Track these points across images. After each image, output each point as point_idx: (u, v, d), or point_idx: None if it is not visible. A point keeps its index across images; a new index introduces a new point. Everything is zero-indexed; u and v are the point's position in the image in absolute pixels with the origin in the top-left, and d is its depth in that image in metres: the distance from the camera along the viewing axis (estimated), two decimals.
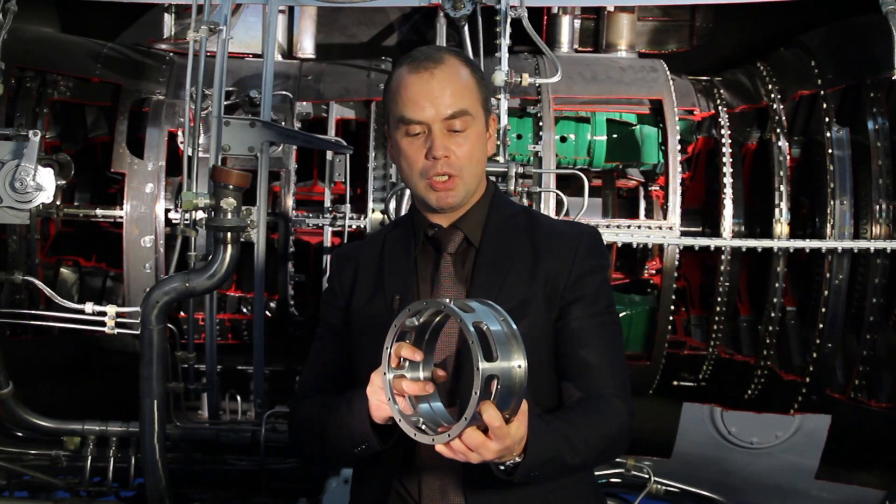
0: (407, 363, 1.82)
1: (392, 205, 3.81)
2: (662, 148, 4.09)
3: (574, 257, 2.12)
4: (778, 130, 4.14)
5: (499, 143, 3.75)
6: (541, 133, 3.99)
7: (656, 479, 4.15)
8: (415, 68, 2.09)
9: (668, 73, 4.23)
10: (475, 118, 2.11)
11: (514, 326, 1.74)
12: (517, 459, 1.81)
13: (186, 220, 3.62)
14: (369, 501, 2.16)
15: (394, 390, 1.79)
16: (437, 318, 1.82)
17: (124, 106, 4.09)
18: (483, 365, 1.66)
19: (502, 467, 1.84)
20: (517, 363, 1.70)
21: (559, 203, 3.89)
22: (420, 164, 2.08)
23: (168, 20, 4.31)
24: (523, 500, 2.06)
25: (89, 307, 3.67)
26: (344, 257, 2.33)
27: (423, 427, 1.77)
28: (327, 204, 4.00)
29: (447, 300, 1.75)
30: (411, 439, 1.77)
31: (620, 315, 3.54)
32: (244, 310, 4.20)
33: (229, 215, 3.29)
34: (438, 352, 1.99)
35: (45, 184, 3.49)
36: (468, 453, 1.71)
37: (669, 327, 4.13)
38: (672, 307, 4.11)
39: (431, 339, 1.85)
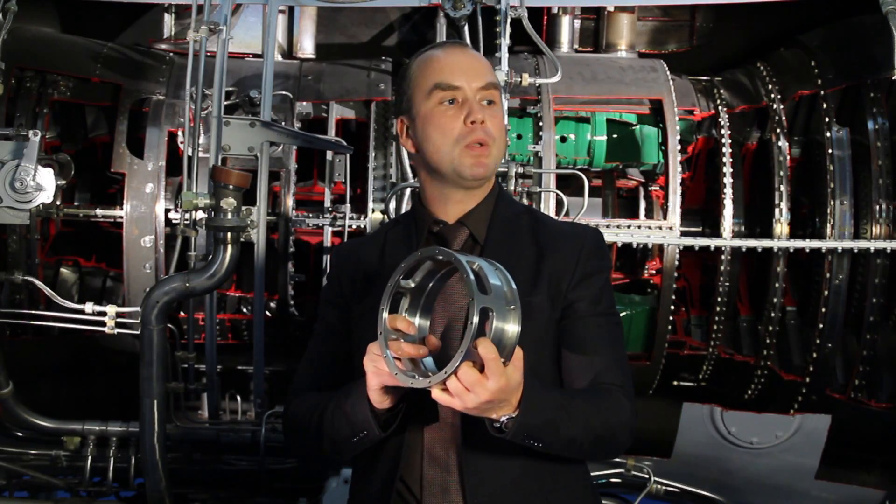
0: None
1: (392, 205, 3.81)
2: (662, 148, 4.09)
3: (578, 257, 2.13)
4: (778, 130, 4.14)
5: None
6: (541, 133, 3.99)
7: (656, 479, 4.16)
8: (443, 46, 2.19)
9: (668, 73, 4.23)
10: (500, 98, 2.18)
11: (514, 284, 1.74)
12: (512, 415, 1.81)
13: (186, 220, 3.63)
14: (369, 501, 2.15)
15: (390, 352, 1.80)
16: (438, 276, 1.83)
17: (124, 106, 4.09)
18: (478, 297, 1.66)
19: (497, 424, 1.84)
20: (512, 306, 1.70)
21: (559, 203, 3.89)
22: (457, 131, 2.10)
23: (168, 20, 4.31)
24: (522, 499, 2.06)
25: (89, 307, 3.67)
26: (344, 255, 2.33)
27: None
28: (327, 204, 4.00)
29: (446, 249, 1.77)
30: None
31: (620, 315, 3.53)
32: (244, 310, 4.20)
33: (229, 215, 3.29)
34: (440, 320, 2.00)
35: (45, 184, 3.49)
36: (464, 394, 1.71)
37: (669, 327, 4.13)
38: (672, 307, 4.10)
39: (428, 302, 1.86)
